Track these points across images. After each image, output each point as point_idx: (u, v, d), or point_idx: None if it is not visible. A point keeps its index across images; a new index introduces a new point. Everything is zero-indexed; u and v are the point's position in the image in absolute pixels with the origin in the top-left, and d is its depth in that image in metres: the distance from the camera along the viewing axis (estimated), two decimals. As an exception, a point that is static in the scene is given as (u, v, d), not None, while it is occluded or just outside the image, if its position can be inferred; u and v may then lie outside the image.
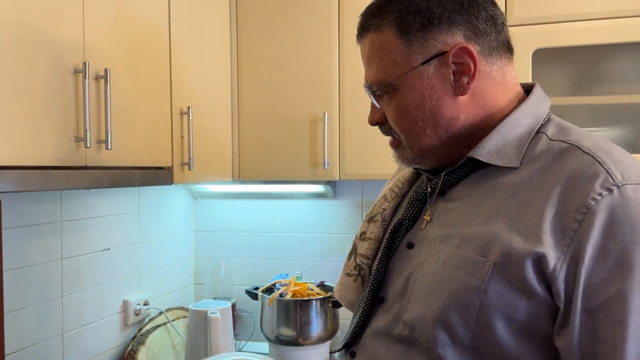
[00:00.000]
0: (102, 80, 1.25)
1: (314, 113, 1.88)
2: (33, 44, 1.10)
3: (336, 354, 1.04)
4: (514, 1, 1.68)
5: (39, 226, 1.54)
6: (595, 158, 0.76)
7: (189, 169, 1.62)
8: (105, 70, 1.25)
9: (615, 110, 1.73)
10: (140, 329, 1.94)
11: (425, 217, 0.90)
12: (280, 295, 1.94)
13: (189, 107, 1.62)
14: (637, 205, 0.72)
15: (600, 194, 0.72)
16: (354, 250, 1.02)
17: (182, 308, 2.15)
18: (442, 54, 0.83)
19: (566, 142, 0.80)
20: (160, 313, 2.01)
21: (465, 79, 0.83)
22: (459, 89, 0.84)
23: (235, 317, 2.17)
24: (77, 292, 1.68)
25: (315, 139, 1.88)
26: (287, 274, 2.14)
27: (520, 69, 1.64)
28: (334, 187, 2.18)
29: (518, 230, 0.76)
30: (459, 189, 0.87)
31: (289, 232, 2.27)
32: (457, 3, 0.83)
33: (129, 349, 1.86)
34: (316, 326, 1.91)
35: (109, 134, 1.25)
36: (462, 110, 0.84)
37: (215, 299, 2.19)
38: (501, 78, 0.86)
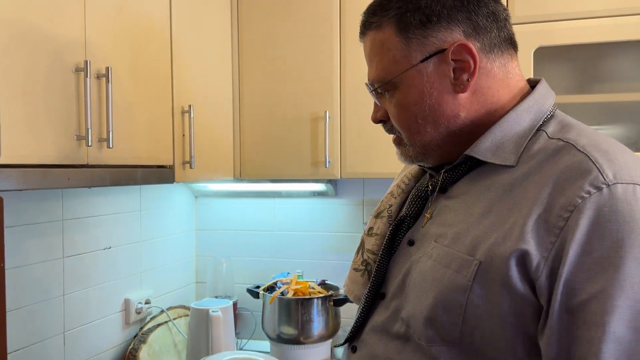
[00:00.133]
0: (104, 79, 1.25)
1: (315, 111, 1.88)
2: (34, 42, 1.10)
3: (339, 351, 1.04)
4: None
5: (41, 225, 1.54)
6: (588, 156, 0.74)
7: (190, 167, 1.62)
8: (107, 68, 1.25)
9: (616, 108, 1.73)
10: (141, 328, 1.94)
11: (427, 215, 0.90)
12: (282, 293, 1.94)
13: (190, 106, 1.62)
14: (625, 205, 0.70)
15: (588, 192, 0.71)
16: (361, 246, 1.03)
17: (183, 307, 2.15)
18: (441, 51, 0.82)
19: (563, 140, 0.79)
20: (162, 311, 2.01)
21: (465, 76, 0.83)
22: (459, 87, 0.83)
23: (236, 316, 2.17)
24: (79, 291, 1.68)
25: (317, 137, 1.88)
26: (288, 273, 2.14)
27: (522, 68, 1.61)
28: (335, 186, 2.18)
29: (504, 228, 0.76)
30: (459, 187, 0.87)
31: (290, 231, 2.27)
32: (457, 0, 0.83)
33: (130, 347, 1.86)
34: (317, 325, 1.91)
35: (111, 133, 1.25)
36: (463, 107, 0.84)
37: (216, 297, 2.20)
38: (503, 75, 0.85)
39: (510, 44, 0.87)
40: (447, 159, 0.89)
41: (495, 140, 0.83)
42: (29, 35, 1.09)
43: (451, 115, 0.84)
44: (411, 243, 0.91)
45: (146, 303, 1.95)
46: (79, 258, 1.68)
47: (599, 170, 0.72)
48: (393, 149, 0.95)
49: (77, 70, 1.19)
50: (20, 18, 1.07)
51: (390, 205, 1.01)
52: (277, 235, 2.29)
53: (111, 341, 1.83)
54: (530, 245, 0.72)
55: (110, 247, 1.81)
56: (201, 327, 1.83)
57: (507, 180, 0.80)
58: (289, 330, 1.91)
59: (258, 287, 2.06)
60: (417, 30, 0.83)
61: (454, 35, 0.82)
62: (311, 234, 2.25)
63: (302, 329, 1.90)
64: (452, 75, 0.83)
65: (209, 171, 1.80)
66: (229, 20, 1.94)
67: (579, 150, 0.76)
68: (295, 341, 1.91)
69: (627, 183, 0.71)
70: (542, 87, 0.88)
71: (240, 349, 2.16)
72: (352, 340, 0.97)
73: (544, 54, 1.67)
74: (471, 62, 0.82)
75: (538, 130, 0.83)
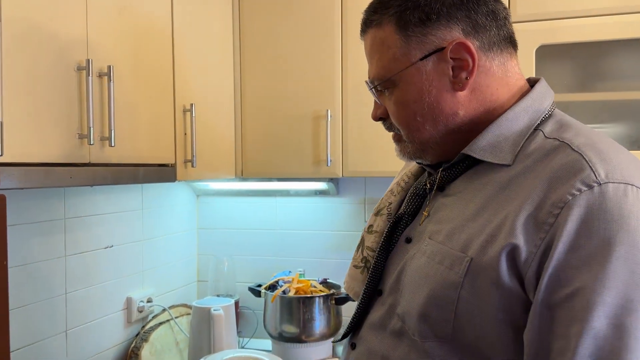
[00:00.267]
0: (106, 78, 1.25)
1: (317, 110, 1.88)
2: (36, 41, 1.10)
3: (341, 349, 1.05)
4: (517, -3, 1.68)
5: (43, 223, 1.54)
6: (582, 155, 0.75)
7: (192, 166, 1.62)
8: (109, 67, 1.25)
9: (618, 106, 1.72)
10: (143, 326, 1.94)
11: (424, 213, 0.91)
12: (284, 292, 1.94)
13: (192, 104, 1.62)
14: (615, 204, 0.70)
15: (579, 190, 0.71)
16: (361, 243, 1.04)
17: (185, 305, 2.15)
18: (440, 49, 0.83)
19: (559, 140, 0.79)
20: (164, 310, 2.02)
21: (463, 75, 0.83)
22: (457, 85, 0.84)
23: (238, 314, 2.17)
24: (81, 289, 1.68)
25: (318, 136, 1.88)
26: (290, 271, 2.14)
27: (524, 66, 1.62)
28: (337, 185, 2.18)
29: (496, 224, 0.76)
30: (456, 185, 0.88)
31: (292, 230, 2.27)
32: None
33: (132, 345, 1.86)
34: (319, 323, 1.91)
35: (112, 131, 1.25)
36: (461, 105, 0.85)
37: (218, 296, 2.20)
38: (502, 73, 0.86)
39: (510, 42, 0.87)
40: (445, 157, 0.90)
41: (493, 139, 0.83)
42: (31, 34, 1.09)
43: (450, 113, 0.85)
44: (408, 240, 0.92)
45: (148, 301, 1.95)
46: (81, 256, 1.68)
47: (592, 169, 0.73)
48: (394, 147, 0.95)
49: (79, 68, 1.20)
50: (22, 17, 1.08)
51: (390, 203, 1.02)
52: (279, 234, 2.29)
53: (113, 340, 1.83)
54: (520, 240, 0.73)
55: (112, 246, 1.81)
56: (203, 326, 1.83)
57: (503, 179, 0.81)
58: (290, 329, 1.91)
59: (260, 285, 2.06)
60: (416, 28, 0.83)
61: (453, 34, 0.83)
62: (313, 233, 2.25)
63: (303, 327, 1.90)
64: (451, 73, 0.83)
65: (210, 170, 1.80)
66: (230, 19, 1.94)
67: (573, 149, 0.76)
68: (296, 340, 1.91)
69: (618, 182, 0.72)
70: (541, 87, 0.88)
71: (242, 348, 2.17)
72: (351, 336, 0.98)
73: (545, 52, 1.67)
74: (470, 60, 0.82)
75: (536, 129, 0.83)
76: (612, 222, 0.69)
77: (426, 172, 0.97)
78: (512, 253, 0.73)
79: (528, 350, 0.73)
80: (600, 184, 0.71)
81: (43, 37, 1.12)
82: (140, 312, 1.92)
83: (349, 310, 1.98)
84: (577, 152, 0.76)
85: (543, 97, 0.86)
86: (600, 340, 0.67)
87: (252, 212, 2.31)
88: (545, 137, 0.81)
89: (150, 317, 1.98)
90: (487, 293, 0.75)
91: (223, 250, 2.31)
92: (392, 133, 0.95)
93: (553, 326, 0.71)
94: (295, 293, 1.94)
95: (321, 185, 2.15)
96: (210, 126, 1.79)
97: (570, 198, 0.71)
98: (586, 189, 0.71)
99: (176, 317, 2.03)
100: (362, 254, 1.01)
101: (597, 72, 1.76)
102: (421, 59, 0.84)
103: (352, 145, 1.86)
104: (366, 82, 0.93)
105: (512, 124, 0.84)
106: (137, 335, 1.91)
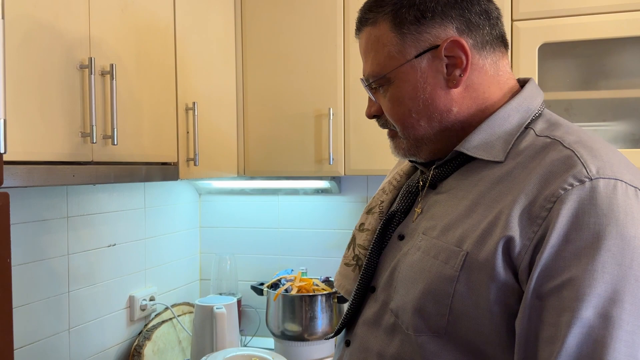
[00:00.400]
0: (108, 76, 1.25)
1: (319, 108, 1.88)
2: (39, 39, 1.11)
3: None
4: (520, -5, 1.68)
5: (46, 221, 1.55)
6: (574, 152, 0.77)
7: (195, 164, 1.62)
8: (111, 65, 1.25)
9: (621, 104, 1.72)
10: (146, 325, 1.95)
11: (417, 210, 0.92)
12: (286, 290, 1.95)
13: (194, 103, 1.62)
14: (605, 199, 0.72)
15: (571, 185, 0.74)
16: (353, 241, 1.04)
17: (187, 304, 2.15)
18: (435, 47, 0.85)
19: (550, 138, 0.81)
20: (166, 308, 2.02)
21: (457, 72, 0.85)
22: (451, 82, 0.85)
23: (240, 313, 2.17)
24: (84, 288, 1.69)
25: (320, 134, 1.88)
26: (292, 270, 2.14)
27: (527, 64, 1.64)
28: (339, 183, 2.19)
29: (491, 219, 0.78)
30: (449, 182, 0.89)
31: (294, 228, 2.27)
32: None
33: (135, 344, 1.87)
34: (321, 321, 1.91)
35: (115, 130, 1.26)
36: (455, 102, 0.86)
37: (220, 294, 2.20)
38: (494, 72, 0.88)
39: (502, 42, 0.90)
40: (437, 155, 0.91)
41: (485, 137, 0.85)
42: (34, 33, 1.10)
43: (444, 110, 0.86)
44: (401, 237, 0.93)
45: (150, 300, 1.95)
46: (84, 255, 1.69)
47: (583, 165, 0.75)
48: (389, 144, 0.96)
49: (82, 67, 1.20)
50: (25, 15, 1.08)
51: (382, 202, 1.03)
52: (281, 232, 2.29)
53: (116, 338, 1.83)
54: (515, 233, 0.75)
55: (114, 244, 1.82)
56: (205, 324, 1.84)
57: (495, 175, 0.82)
58: (293, 327, 1.91)
59: (262, 284, 2.07)
60: (411, 26, 0.85)
61: (448, 32, 0.84)
62: (315, 231, 2.25)
63: (306, 325, 1.90)
64: (445, 70, 0.85)
65: (213, 168, 1.81)
66: (232, 17, 1.94)
67: (565, 146, 0.79)
68: (299, 338, 1.91)
69: (609, 178, 0.74)
70: (531, 86, 0.90)
71: (245, 346, 2.17)
72: (345, 334, 0.99)
73: (548, 50, 1.66)
74: (463, 58, 0.84)
75: (526, 128, 0.85)
76: (602, 216, 0.71)
77: (418, 171, 0.99)
78: (508, 246, 0.75)
79: (518, 338, 0.74)
80: (591, 179, 0.73)
81: (46, 36, 1.12)
82: (143, 310, 1.92)
83: (351, 309, 1.99)
84: (569, 149, 0.78)
85: (533, 97, 0.88)
86: (588, 329, 0.69)
87: (254, 210, 2.31)
88: (537, 135, 0.83)
89: (152, 315, 1.99)
90: (482, 287, 0.77)
91: (225, 248, 2.32)
92: (386, 130, 0.96)
93: (543, 315, 0.72)
94: (298, 291, 1.94)
95: (323, 184, 2.15)
96: (212, 125, 1.79)
97: (562, 192, 0.73)
98: (578, 183, 0.73)
99: (179, 316, 2.03)
100: (354, 252, 1.02)
101: (600, 70, 1.75)
102: (416, 57, 0.85)
103: (354, 144, 1.86)
104: (361, 79, 0.94)
105: (503, 122, 0.85)
106: (139, 333, 1.92)
